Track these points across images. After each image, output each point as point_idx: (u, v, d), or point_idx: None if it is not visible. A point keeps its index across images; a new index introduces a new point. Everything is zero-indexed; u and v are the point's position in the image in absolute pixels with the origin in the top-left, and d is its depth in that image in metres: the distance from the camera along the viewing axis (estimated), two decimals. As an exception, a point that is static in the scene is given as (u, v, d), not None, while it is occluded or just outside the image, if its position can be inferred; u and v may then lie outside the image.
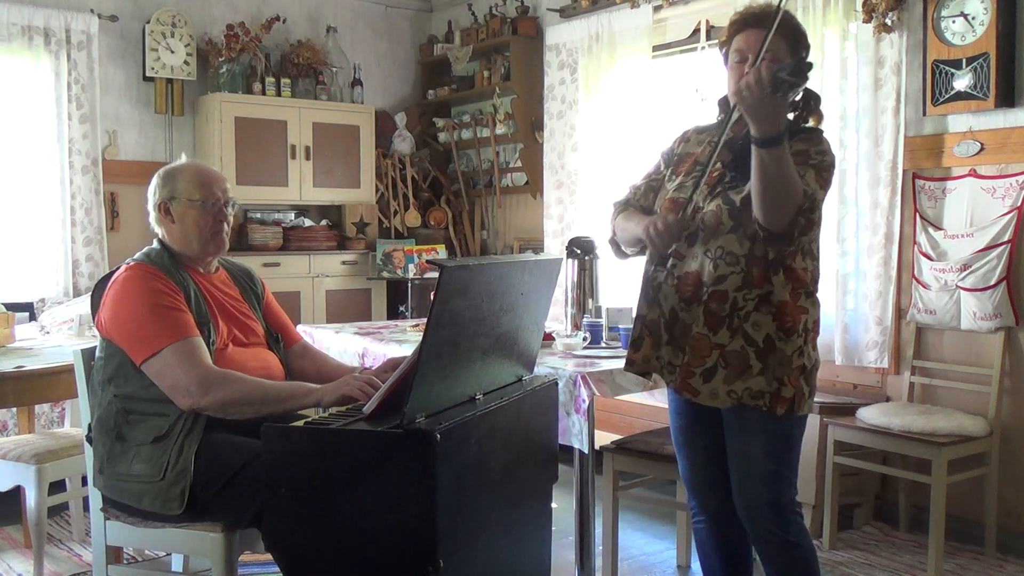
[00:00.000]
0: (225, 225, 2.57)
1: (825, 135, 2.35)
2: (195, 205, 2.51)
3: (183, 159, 2.66)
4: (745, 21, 2.30)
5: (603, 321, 3.38)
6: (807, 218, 2.19)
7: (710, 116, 2.56)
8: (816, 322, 2.32)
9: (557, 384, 2.57)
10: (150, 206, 2.57)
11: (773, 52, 2.20)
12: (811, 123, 2.38)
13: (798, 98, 2.35)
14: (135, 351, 2.35)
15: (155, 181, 2.57)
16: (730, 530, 2.47)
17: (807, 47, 2.35)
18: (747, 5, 2.39)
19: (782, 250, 2.22)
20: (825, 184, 2.25)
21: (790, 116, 2.31)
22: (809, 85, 2.30)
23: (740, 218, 2.23)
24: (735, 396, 2.26)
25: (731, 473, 2.35)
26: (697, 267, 2.28)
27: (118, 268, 2.49)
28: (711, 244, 2.27)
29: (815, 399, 2.41)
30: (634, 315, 2.46)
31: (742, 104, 2.06)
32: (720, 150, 2.26)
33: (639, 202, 2.50)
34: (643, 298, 2.42)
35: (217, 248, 2.57)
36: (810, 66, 2.02)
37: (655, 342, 2.38)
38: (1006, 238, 3.59)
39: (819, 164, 2.24)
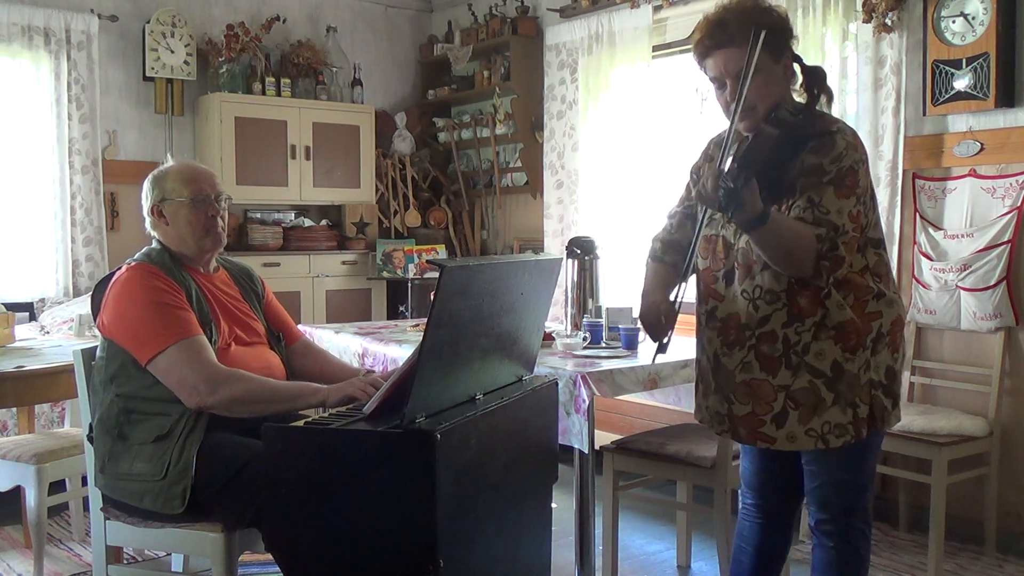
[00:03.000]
0: (219, 220, 2.56)
1: (841, 130, 2.12)
2: (185, 204, 2.51)
3: (169, 161, 2.66)
4: (705, 46, 2.14)
5: (603, 321, 3.38)
6: (831, 258, 2.04)
7: (714, 117, 2.50)
8: (896, 323, 2.17)
9: (557, 384, 2.56)
10: (144, 212, 2.58)
11: (760, 69, 2.04)
12: (822, 102, 2.19)
13: (798, 84, 2.20)
14: (140, 351, 2.35)
15: (146, 186, 2.58)
16: (778, 530, 2.44)
17: (787, 32, 2.15)
18: (702, 22, 2.16)
19: (820, 288, 2.09)
20: (851, 191, 2.05)
21: (801, 99, 2.19)
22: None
23: None
24: (815, 435, 2.13)
25: (806, 478, 2.27)
26: (737, 309, 2.18)
27: (119, 268, 2.50)
28: (747, 284, 2.16)
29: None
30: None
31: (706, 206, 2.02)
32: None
33: (675, 235, 2.39)
34: (696, 339, 2.35)
35: (214, 244, 2.57)
36: (747, 165, 1.92)
37: (705, 389, 2.31)
38: (1006, 238, 3.59)
39: (836, 177, 2.05)
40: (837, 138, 2.11)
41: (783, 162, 2.10)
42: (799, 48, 2.29)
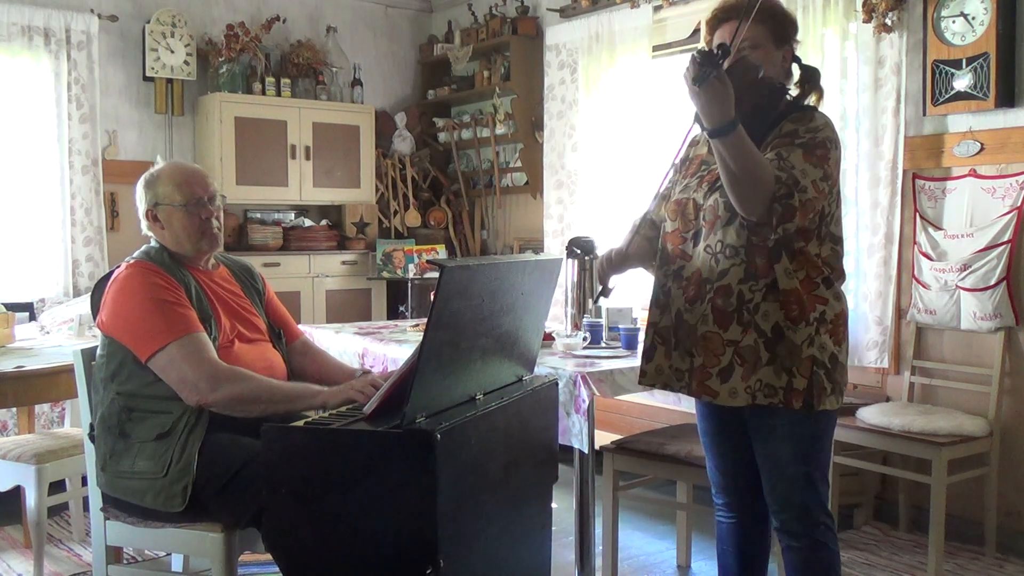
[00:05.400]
0: (214, 221, 2.55)
1: (822, 111, 2.28)
2: (178, 208, 2.51)
3: (159, 162, 2.64)
4: (717, 18, 2.29)
5: (603, 321, 3.38)
6: (784, 204, 2.09)
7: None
8: (839, 315, 2.24)
9: (557, 384, 2.56)
10: (140, 214, 2.58)
11: (752, 40, 2.20)
12: (812, 100, 2.31)
13: (795, 77, 2.31)
14: (140, 348, 2.35)
15: (138, 190, 2.57)
16: (755, 528, 2.46)
17: (794, 28, 2.31)
18: (720, 2, 2.33)
19: (767, 238, 2.15)
20: (820, 162, 2.14)
21: (791, 95, 2.29)
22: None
23: (735, 209, 2.17)
24: (749, 392, 2.18)
25: (762, 476, 2.31)
26: (699, 265, 2.26)
27: (118, 267, 2.49)
28: (711, 239, 2.23)
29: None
30: (645, 323, 2.41)
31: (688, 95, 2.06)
32: (706, 144, 2.24)
33: (655, 215, 2.45)
34: (655, 305, 2.38)
35: (211, 245, 2.56)
36: (719, 51, 2.01)
37: (668, 350, 2.33)
38: (1006, 238, 3.59)
39: (808, 143, 2.15)
40: (816, 114, 2.26)
41: (757, 130, 2.19)
42: (799, 49, 2.38)
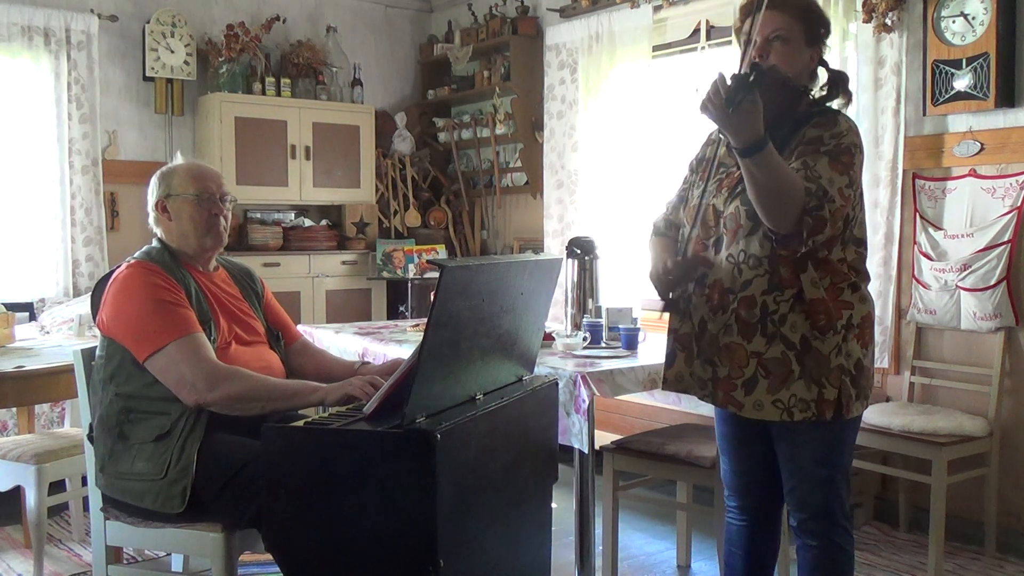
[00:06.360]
0: (222, 219, 2.58)
1: (844, 114, 2.24)
2: (190, 200, 2.53)
3: (179, 158, 2.67)
4: (751, 6, 2.21)
5: (603, 321, 3.38)
6: (814, 217, 2.04)
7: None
8: (866, 318, 2.20)
9: (557, 384, 2.56)
10: (149, 206, 2.60)
11: (785, 33, 2.15)
12: (837, 104, 2.27)
13: (823, 81, 2.27)
14: (138, 348, 2.36)
15: (153, 181, 2.60)
16: (766, 531, 2.44)
17: (827, 30, 2.26)
18: None
19: (798, 250, 2.10)
20: (846, 169, 2.10)
21: (816, 94, 2.25)
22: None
23: (759, 218, 2.12)
24: (781, 406, 2.15)
25: (783, 477, 2.29)
26: (721, 274, 2.21)
27: (118, 267, 2.50)
28: (733, 248, 2.18)
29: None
30: (667, 329, 2.38)
31: (708, 117, 2.00)
32: (731, 150, 2.19)
33: (672, 217, 2.43)
34: (675, 311, 2.35)
35: (215, 242, 2.58)
36: (757, 74, 1.95)
37: (688, 357, 2.31)
38: (1006, 238, 3.59)
39: (833, 150, 2.11)
40: (840, 118, 2.20)
41: (779, 135, 2.15)
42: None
